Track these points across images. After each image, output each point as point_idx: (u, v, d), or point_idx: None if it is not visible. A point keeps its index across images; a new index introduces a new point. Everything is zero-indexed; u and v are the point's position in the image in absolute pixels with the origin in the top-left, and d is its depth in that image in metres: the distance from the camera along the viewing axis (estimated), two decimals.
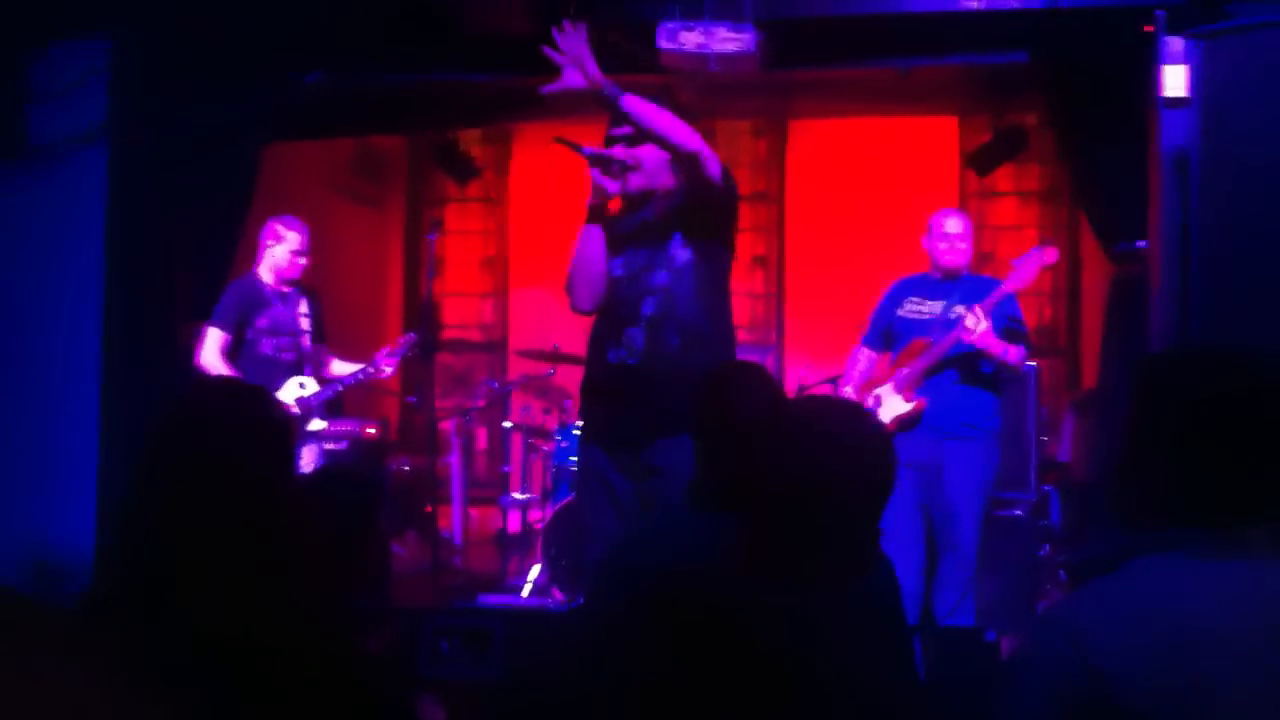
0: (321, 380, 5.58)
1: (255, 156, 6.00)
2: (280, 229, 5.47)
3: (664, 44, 4.96)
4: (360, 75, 5.69)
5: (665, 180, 3.66)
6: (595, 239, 3.64)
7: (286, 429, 1.82)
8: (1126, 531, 1.71)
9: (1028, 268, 4.71)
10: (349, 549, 2.29)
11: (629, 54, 5.26)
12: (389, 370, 5.63)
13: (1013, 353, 4.68)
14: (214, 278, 5.61)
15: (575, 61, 3.33)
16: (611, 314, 3.67)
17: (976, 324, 4.55)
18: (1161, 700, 1.50)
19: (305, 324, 5.54)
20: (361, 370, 5.59)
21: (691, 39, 4.95)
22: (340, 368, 5.69)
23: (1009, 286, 4.69)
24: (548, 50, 3.34)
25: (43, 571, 4.66)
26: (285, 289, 5.49)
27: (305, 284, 5.65)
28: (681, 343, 3.56)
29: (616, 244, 3.69)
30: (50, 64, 5.48)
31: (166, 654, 1.36)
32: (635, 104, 3.37)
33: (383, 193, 8.77)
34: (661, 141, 3.45)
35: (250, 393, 1.84)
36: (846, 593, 1.80)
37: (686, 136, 3.43)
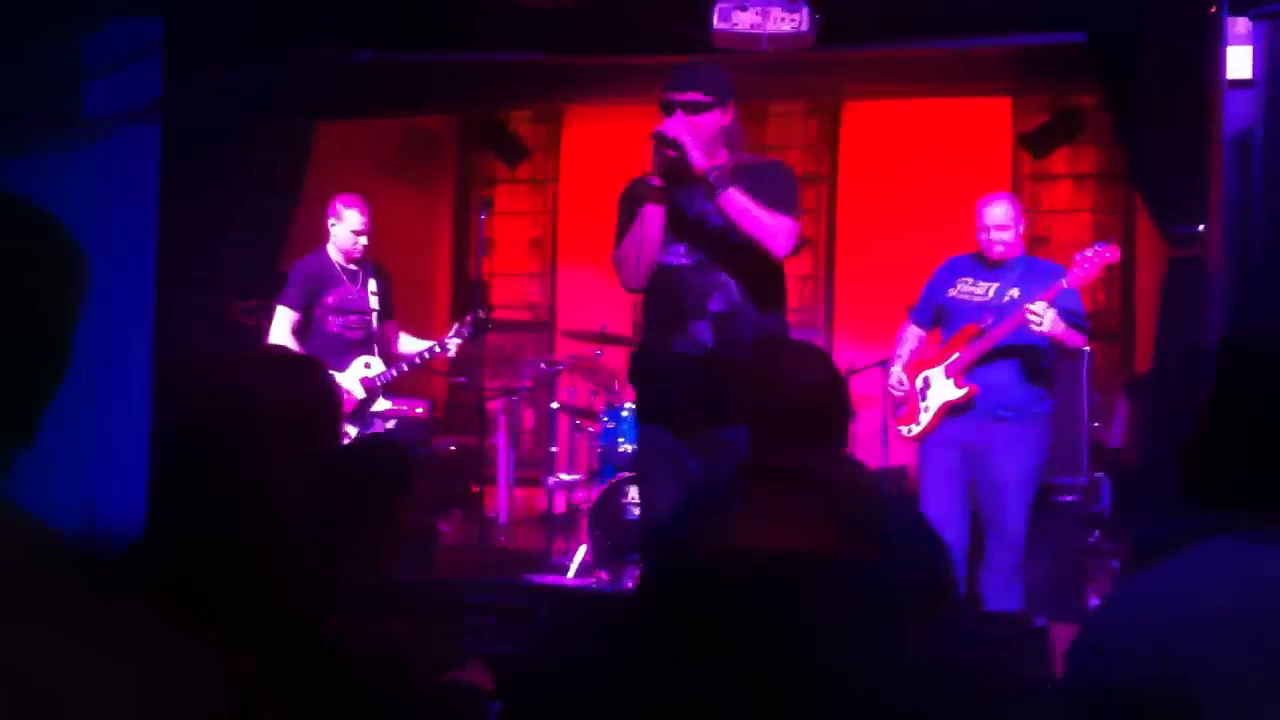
0: (389, 358, 5.56)
1: (307, 135, 6.04)
2: (340, 207, 5.45)
3: (719, 24, 4.94)
4: (410, 53, 5.70)
5: (719, 154, 3.59)
6: (657, 220, 3.54)
7: (323, 400, 1.80)
8: (1200, 513, 1.67)
9: (1090, 265, 4.58)
10: (382, 520, 2.29)
11: (679, 35, 5.24)
12: (454, 349, 5.59)
13: (1074, 338, 4.62)
14: (266, 255, 5.65)
15: (679, 150, 3.43)
16: (672, 302, 3.62)
17: (1043, 315, 4.45)
18: (1245, 682, 1.44)
19: (374, 302, 5.51)
20: (429, 349, 5.56)
21: (746, 19, 4.93)
22: (408, 344, 5.64)
23: (1070, 283, 4.58)
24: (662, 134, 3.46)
25: (95, 544, 4.72)
26: (354, 266, 5.48)
27: (376, 261, 5.63)
28: (747, 338, 3.54)
29: (676, 227, 3.62)
30: (106, 40, 5.54)
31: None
32: (733, 201, 3.44)
33: (431, 173, 8.80)
34: (749, 238, 3.48)
35: (290, 363, 1.83)
36: (888, 566, 1.78)
37: (776, 240, 3.48)
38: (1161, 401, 5.00)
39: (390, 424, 5.75)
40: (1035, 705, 1.53)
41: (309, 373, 1.84)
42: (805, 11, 4.90)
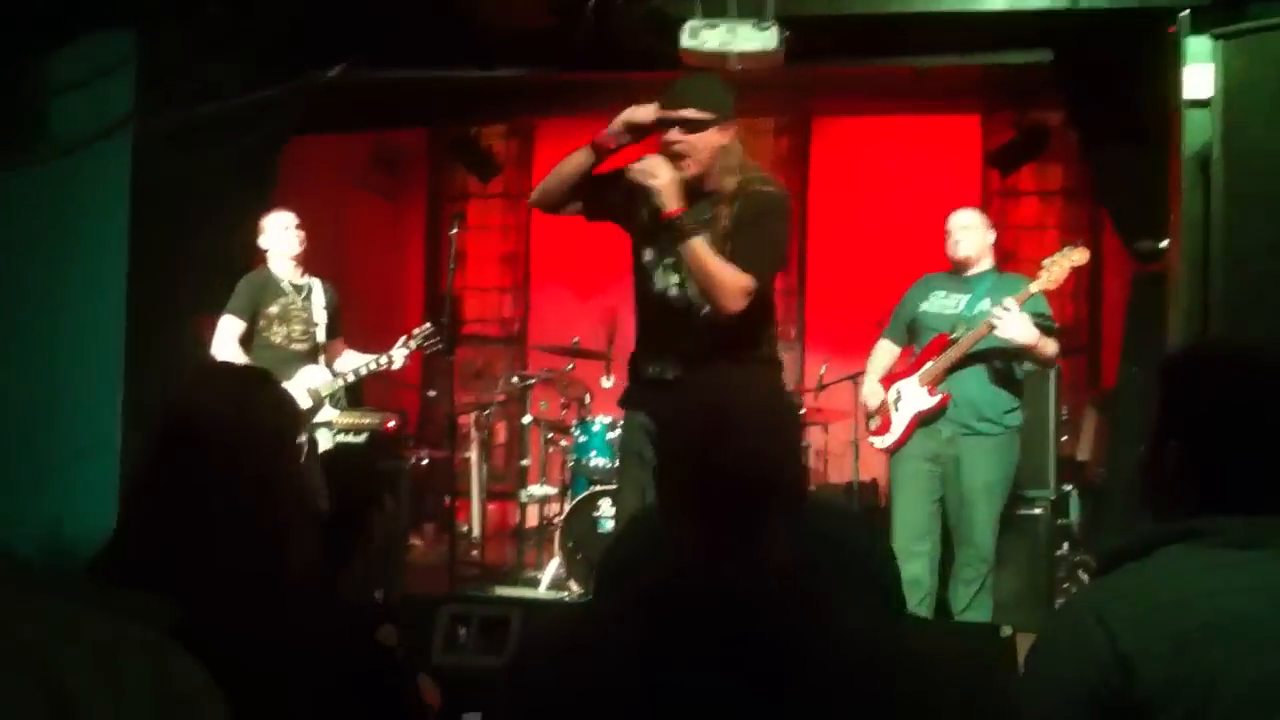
0: (333, 372, 5.59)
1: (278, 149, 6.04)
2: (260, 222, 5.56)
3: (688, 42, 4.97)
4: (382, 69, 5.72)
5: (715, 175, 3.46)
6: (707, 250, 3.39)
7: (289, 414, 1.82)
8: (1153, 521, 1.71)
9: (1057, 268, 4.68)
10: (352, 536, 2.30)
11: (650, 51, 5.27)
12: (400, 362, 5.59)
13: (1044, 344, 4.66)
14: (236, 270, 5.65)
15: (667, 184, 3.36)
16: (654, 331, 3.57)
17: (1005, 316, 4.52)
18: (1181, 688, 1.49)
19: (319, 316, 5.55)
20: (373, 360, 5.58)
21: (714, 37, 4.96)
22: (351, 360, 5.66)
23: (1038, 286, 4.66)
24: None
25: (62, 557, 4.70)
26: (300, 280, 5.52)
27: (324, 277, 5.66)
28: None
29: (671, 259, 3.50)
30: (75, 55, 5.51)
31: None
32: (692, 253, 3.35)
33: (402, 187, 8.81)
34: (700, 288, 3.41)
35: (252, 377, 1.84)
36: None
37: (723, 299, 3.35)
38: (1125, 414, 5.06)
39: (356, 437, 5.76)
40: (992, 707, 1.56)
41: (270, 385, 1.85)
42: (773, 29, 4.94)
